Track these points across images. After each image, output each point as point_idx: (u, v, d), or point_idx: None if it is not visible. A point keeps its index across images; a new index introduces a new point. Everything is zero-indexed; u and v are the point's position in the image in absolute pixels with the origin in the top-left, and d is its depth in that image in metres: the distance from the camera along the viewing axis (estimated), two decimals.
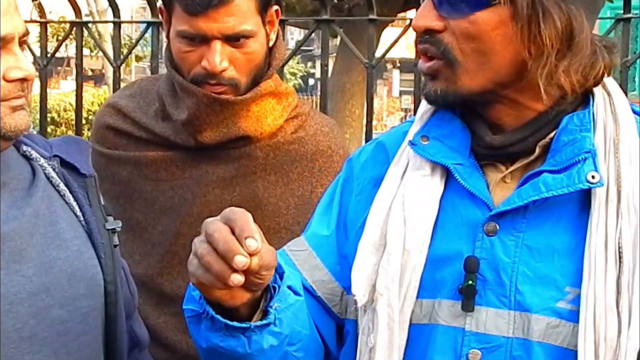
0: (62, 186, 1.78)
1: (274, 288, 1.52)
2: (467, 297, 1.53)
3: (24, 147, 1.75)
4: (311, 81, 36.22)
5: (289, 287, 1.56)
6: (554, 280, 1.51)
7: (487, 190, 1.58)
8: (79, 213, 1.78)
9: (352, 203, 1.75)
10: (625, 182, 1.50)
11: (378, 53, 3.45)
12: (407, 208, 1.60)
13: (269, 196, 2.39)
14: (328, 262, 1.74)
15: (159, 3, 2.50)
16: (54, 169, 1.78)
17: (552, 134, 1.57)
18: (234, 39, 2.29)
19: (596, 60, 1.55)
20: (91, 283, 1.72)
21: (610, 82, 1.62)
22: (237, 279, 1.39)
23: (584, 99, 1.59)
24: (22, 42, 1.63)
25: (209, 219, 1.47)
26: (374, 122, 3.58)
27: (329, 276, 1.73)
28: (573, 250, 1.51)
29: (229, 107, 2.34)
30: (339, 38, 3.17)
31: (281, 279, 1.54)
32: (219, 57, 2.27)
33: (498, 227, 1.54)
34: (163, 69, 3.39)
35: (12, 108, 1.59)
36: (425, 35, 1.56)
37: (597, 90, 1.59)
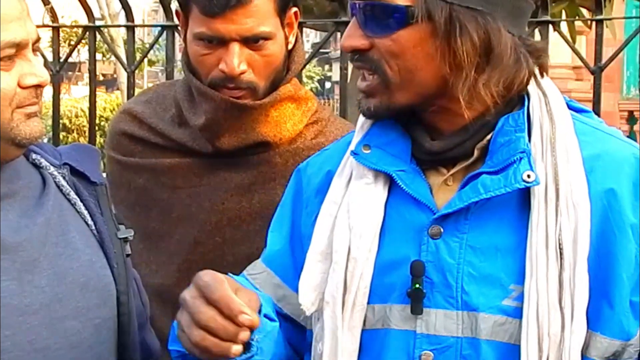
0: (72, 195, 1.78)
1: None
2: (416, 300, 1.59)
3: (34, 156, 1.76)
4: (328, 84, 36.10)
5: (265, 316, 1.64)
6: (498, 279, 1.57)
7: (430, 194, 1.65)
8: (90, 222, 1.79)
9: (303, 216, 1.83)
10: (563, 179, 1.56)
11: None
12: (352, 216, 1.67)
13: None
14: (286, 278, 1.82)
15: (175, 5, 2.50)
16: (64, 178, 1.79)
17: (489, 136, 1.63)
18: (252, 41, 2.28)
19: (519, 68, 1.60)
20: (104, 293, 1.74)
21: (546, 81, 1.68)
22: (238, 349, 1.51)
23: (520, 99, 1.66)
24: (35, 48, 1.65)
25: (185, 294, 1.52)
26: None
27: (290, 291, 1.79)
28: (515, 249, 1.57)
29: (248, 111, 2.34)
30: None
31: (260, 310, 1.62)
32: (237, 60, 2.27)
33: (442, 230, 1.61)
34: (178, 74, 3.40)
35: (27, 115, 1.61)
36: (355, 55, 1.65)
37: (533, 90, 1.65)
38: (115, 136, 2.53)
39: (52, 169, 1.77)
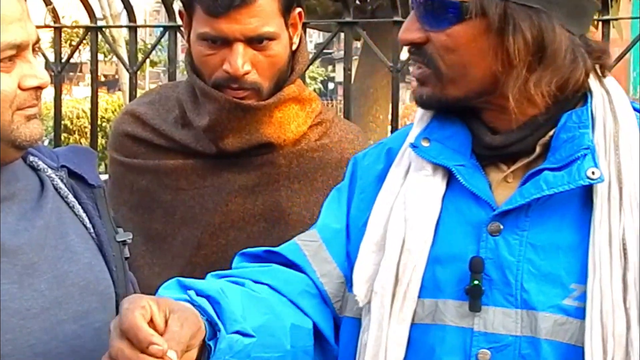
0: (70, 197, 1.78)
1: (209, 346, 1.56)
2: (474, 297, 1.58)
3: (31, 158, 1.76)
4: (331, 85, 36.09)
5: (237, 332, 1.60)
6: (559, 277, 1.56)
7: (489, 191, 1.64)
8: (88, 225, 1.79)
9: (355, 202, 1.82)
10: (627, 178, 1.55)
11: (403, 56, 3.44)
12: (408, 207, 1.66)
13: (292, 205, 2.39)
14: (337, 256, 1.79)
15: (179, 6, 2.50)
16: (61, 180, 1.78)
17: (551, 132, 1.62)
18: (256, 41, 2.29)
19: (575, 68, 1.60)
20: (103, 297, 1.73)
21: (609, 80, 1.67)
22: None
23: (583, 96, 1.65)
24: (35, 49, 1.65)
25: (111, 324, 1.47)
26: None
27: (337, 271, 1.77)
28: (577, 247, 1.56)
29: (251, 112, 2.34)
30: (362, 41, 3.15)
31: (218, 335, 1.57)
32: (241, 60, 2.27)
33: (502, 227, 1.60)
34: (180, 75, 3.40)
35: (27, 117, 1.61)
36: (412, 47, 1.67)
37: (595, 89, 1.65)
38: (118, 137, 2.53)
39: (49, 171, 1.77)
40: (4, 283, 1.56)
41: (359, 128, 2.68)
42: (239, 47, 2.27)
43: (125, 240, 1.84)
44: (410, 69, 1.72)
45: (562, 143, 1.60)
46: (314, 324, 1.77)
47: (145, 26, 4.26)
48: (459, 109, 1.69)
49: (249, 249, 1.91)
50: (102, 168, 10.13)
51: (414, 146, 1.70)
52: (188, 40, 2.40)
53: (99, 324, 1.70)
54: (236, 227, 2.39)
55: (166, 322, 1.46)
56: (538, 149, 1.63)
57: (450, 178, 1.67)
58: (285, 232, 2.30)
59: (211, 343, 1.56)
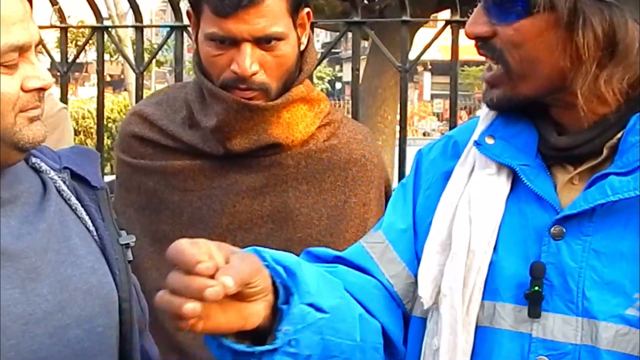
0: (73, 200, 1.77)
1: (281, 310, 1.52)
2: (534, 303, 1.55)
3: (33, 159, 1.75)
4: (338, 85, 36.07)
5: (310, 304, 1.56)
6: (622, 286, 1.51)
7: (554, 192, 1.60)
8: (91, 228, 1.78)
9: (421, 198, 1.79)
10: None
11: (411, 55, 3.44)
12: (473, 207, 1.64)
13: (300, 206, 2.39)
14: (405, 256, 1.77)
15: (186, 6, 2.51)
16: (64, 182, 1.78)
17: (619, 134, 1.57)
18: (264, 41, 2.29)
19: None
20: (106, 301, 1.73)
21: None
22: (215, 290, 1.33)
23: None
24: (38, 50, 1.64)
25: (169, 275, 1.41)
26: None
27: (407, 271, 1.75)
28: None
29: (259, 113, 2.35)
30: (370, 40, 3.14)
31: (292, 299, 1.53)
32: (249, 60, 2.28)
33: (565, 231, 1.56)
34: (187, 75, 3.41)
35: (30, 119, 1.61)
36: (479, 42, 1.62)
37: None
38: (125, 138, 2.54)
39: (52, 173, 1.76)
40: (6, 288, 1.56)
41: (368, 128, 2.68)
42: (247, 48, 2.28)
43: (128, 243, 1.83)
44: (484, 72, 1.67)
45: (629, 147, 1.54)
46: (382, 326, 1.74)
47: (151, 26, 4.25)
48: (527, 107, 1.66)
49: (315, 249, 1.88)
50: (108, 169, 10.14)
51: (477, 144, 1.68)
52: (196, 41, 2.41)
53: (102, 328, 1.71)
54: (244, 229, 2.40)
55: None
56: (605, 152, 1.58)
57: (515, 178, 1.65)
58: (293, 233, 2.31)
59: (284, 307, 1.52)
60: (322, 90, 3.54)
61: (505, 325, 1.58)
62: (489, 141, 1.66)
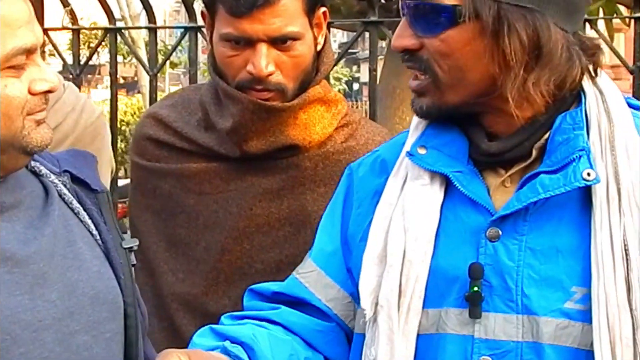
0: (75, 204, 1.77)
1: None
2: (474, 304, 1.60)
3: (32, 163, 1.74)
4: (355, 86, 35.92)
5: None
6: (559, 281, 1.58)
7: (487, 196, 1.67)
8: (94, 232, 1.78)
9: (353, 216, 1.86)
10: (624, 178, 1.57)
11: None
12: (407, 218, 1.69)
13: (318, 209, 2.38)
14: (338, 278, 1.85)
15: (201, 6, 2.51)
16: (65, 186, 1.77)
17: (546, 135, 1.65)
18: (280, 42, 2.29)
19: (572, 66, 1.62)
20: (113, 306, 1.73)
21: (603, 79, 1.69)
22: None
23: (576, 97, 1.68)
24: (42, 51, 1.67)
25: None
26: None
27: (342, 292, 1.84)
28: (577, 250, 1.58)
29: (276, 114, 2.35)
30: (387, 40, 3.16)
31: None
32: (264, 61, 2.28)
33: (500, 232, 1.62)
34: (201, 77, 3.41)
35: (37, 122, 1.61)
36: (406, 55, 1.69)
37: (588, 88, 1.67)
38: (140, 141, 2.55)
39: (52, 176, 1.76)
40: (15, 294, 1.56)
41: (386, 130, 2.68)
42: (263, 48, 2.28)
43: (132, 247, 1.83)
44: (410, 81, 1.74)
45: (557, 146, 1.62)
46: (327, 358, 1.87)
47: (165, 27, 4.26)
48: (457, 116, 1.72)
49: (257, 286, 1.99)
50: (122, 172, 10.14)
51: (410, 154, 1.73)
52: (210, 41, 2.41)
53: (109, 333, 1.71)
54: (261, 232, 2.40)
55: None
56: (534, 153, 1.65)
57: (448, 185, 1.70)
58: (311, 236, 2.30)
59: None
60: (339, 91, 3.55)
61: (448, 329, 1.64)
62: (421, 151, 1.72)
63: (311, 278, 1.89)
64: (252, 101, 2.32)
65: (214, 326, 1.78)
